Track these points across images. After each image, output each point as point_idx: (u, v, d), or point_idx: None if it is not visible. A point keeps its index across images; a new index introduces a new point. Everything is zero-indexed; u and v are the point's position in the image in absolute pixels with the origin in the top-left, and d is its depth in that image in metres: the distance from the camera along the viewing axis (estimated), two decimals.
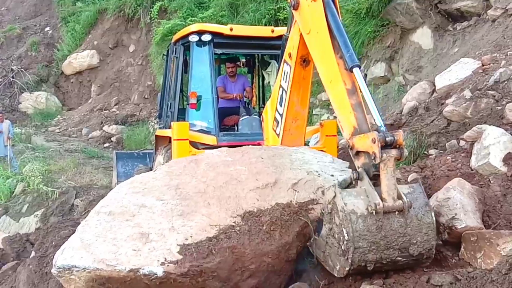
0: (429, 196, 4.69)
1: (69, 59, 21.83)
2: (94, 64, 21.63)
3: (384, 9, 10.51)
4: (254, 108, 8.68)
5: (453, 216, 4.22)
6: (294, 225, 4.13)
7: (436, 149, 6.03)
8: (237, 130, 7.75)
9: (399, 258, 3.62)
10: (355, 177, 3.77)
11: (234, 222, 4.17)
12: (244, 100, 8.56)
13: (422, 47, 10.18)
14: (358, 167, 3.78)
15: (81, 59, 21.64)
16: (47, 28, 24.17)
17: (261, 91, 9.16)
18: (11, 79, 21.64)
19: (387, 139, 3.56)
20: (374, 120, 3.81)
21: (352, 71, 4.00)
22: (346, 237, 3.57)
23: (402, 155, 3.58)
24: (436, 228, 4.31)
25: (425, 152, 6.10)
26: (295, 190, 4.50)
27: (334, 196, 3.72)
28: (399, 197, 3.61)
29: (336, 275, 3.75)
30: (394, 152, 3.57)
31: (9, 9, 26.09)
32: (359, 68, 3.97)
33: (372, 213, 3.54)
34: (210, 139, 7.15)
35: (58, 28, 23.76)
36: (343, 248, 3.62)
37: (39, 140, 17.35)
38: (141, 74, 20.37)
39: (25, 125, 19.66)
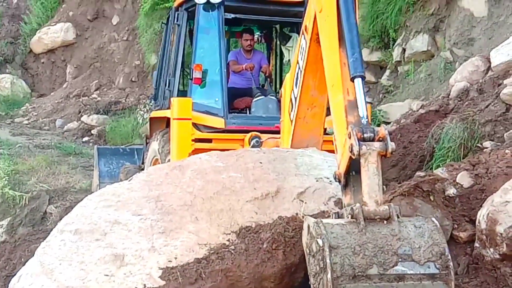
0: (482, 201, 4.69)
1: (39, 34, 21.90)
2: (70, 40, 21.67)
3: None
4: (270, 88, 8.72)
5: None
6: (301, 242, 4.10)
7: (492, 140, 6.03)
8: (250, 113, 7.81)
9: (404, 269, 3.42)
10: (333, 217, 3.78)
11: (228, 240, 4.22)
12: (258, 79, 8.61)
13: (474, 15, 10.11)
14: (344, 206, 3.75)
15: (54, 34, 21.69)
16: None
17: (278, 71, 9.20)
18: None
19: (365, 135, 3.60)
20: (358, 109, 3.80)
21: (353, 81, 3.96)
22: (321, 244, 3.45)
23: (387, 149, 3.58)
24: (493, 239, 4.32)
25: (479, 145, 6.10)
26: (302, 201, 4.55)
27: (308, 227, 3.69)
28: (385, 202, 3.60)
29: None
30: (376, 145, 3.58)
31: None
32: (362, 80, 3.92)
33: (350, 218, 3.52)
34: (217, 122, 7.29)
35: None
36: (321, 264, 3.46)
37: (4, 134, 17.47)
38: (127, 52, 20.39)
39: None
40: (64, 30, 21.63)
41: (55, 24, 21.85)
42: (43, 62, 22.32)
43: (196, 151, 6.86)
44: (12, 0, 24.08)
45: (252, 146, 6.96)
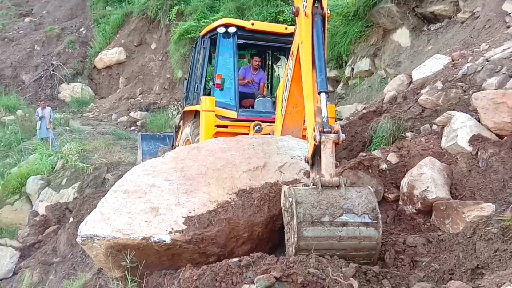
0: (404, 173, 4.70)
1: (100, 55, 21.74)
2: (122, 60, 21.54)
3: (369, 12, 10.38)
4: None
5: (425, 189, 4.24)
6: (280, 201, 4.12)
7: (412, 132, 6.01)
8: (253, 109, 7.80)
9: (347, 218, 3.46)
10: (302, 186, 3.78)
11: (230, 198, 4.23)
12: (258, 87, 8.59)
13: (401, 45, 10.08)
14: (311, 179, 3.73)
15: (111, 55, 21.55)
16: (82, 29, 24.04)
17: (270, 81, 9.18)
18: (52, 72, 21.63)
19: (325, 129, 3.67)
20: (321, 111, 3.83)
21: (319, 95, 3.95)
22: (291, 200, 3.50)
23: (340, 138, 3.64)
24: (411, 199, 4.35)
25: (403, 135, 6.08)
26: (281, 172, 4.58)
27: (284, 192, 3.69)
28: (337, 175, 3.62)
29: (294, 248, 3.46)
30: (332, 136, 3.64)
31: (49, 12, 25.93)
32: (326, 94, 3.93)
33: (312, 186, 3.56)
34: (232, 114, 7.24)
35: (91, 28, 23.62)
36: (291, 215, 3.50)
37: (76, 124, 17.38)
38: (162, 68, 20.27)
39: (64, 111, 19.67)
40: (118, 53, 21.46)
41: (111, 48, 21.68)
42: (103, 75, 22.18)
43: (217, 134, 6.88)
44: (82, 31, 23.86)
45: (256, 131, 6.93)
